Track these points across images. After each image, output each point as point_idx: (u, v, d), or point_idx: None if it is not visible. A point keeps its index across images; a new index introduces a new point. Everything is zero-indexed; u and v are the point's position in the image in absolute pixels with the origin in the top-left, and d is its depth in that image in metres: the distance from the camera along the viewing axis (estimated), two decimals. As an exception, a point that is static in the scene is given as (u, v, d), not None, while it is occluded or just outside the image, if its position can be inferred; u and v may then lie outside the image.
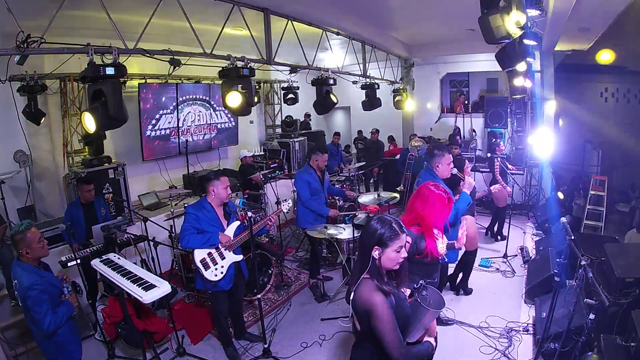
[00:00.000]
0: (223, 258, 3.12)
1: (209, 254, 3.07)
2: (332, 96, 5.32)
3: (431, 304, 1.77)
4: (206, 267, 3.04)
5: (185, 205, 4.29)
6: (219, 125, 7.12)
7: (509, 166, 5.79)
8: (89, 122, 2.88)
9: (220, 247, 3.10)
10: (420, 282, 1.86)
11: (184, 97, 6.35)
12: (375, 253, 1.67)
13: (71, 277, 3.51)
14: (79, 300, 2.85)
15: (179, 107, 6.27)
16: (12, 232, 2.43)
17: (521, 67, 4.08)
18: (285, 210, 3.59)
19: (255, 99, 4.07)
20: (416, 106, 9.18)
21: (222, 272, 3.09)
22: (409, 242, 1.80)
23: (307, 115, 9.59)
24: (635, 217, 6.10)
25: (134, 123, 5.72)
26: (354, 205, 5.66)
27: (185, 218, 3.08)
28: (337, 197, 5.47)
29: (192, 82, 6.46)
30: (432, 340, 1.86)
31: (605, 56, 6.57)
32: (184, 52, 3.56)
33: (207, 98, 6.77)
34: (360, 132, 9.89)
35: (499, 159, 5.56)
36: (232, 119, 7.35)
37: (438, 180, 3.21)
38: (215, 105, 6.91)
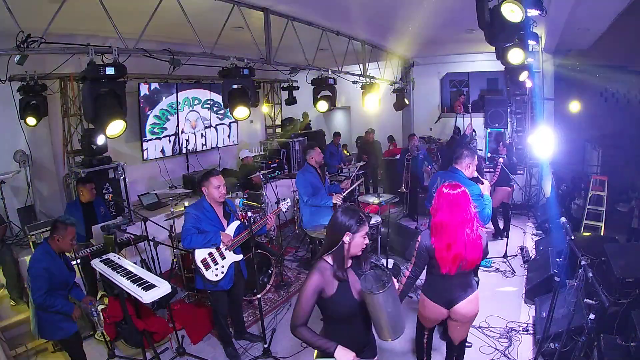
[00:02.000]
0: (223, 258, 3.12)
1: (210, 254, 3.07)
2: (322, 103, 5.28)
3: (373, 286, 1.79)
4: (207, 267, 3.05)
5: (185, 205, 4.30)
6: (218, 127, 7.12)
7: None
8: (118, 127, 2.97)
9: (221, 246, 3.10)
10: (381, 264, 1.91)
11: (184, 97, 6.36)
12: (346, 238, 1.81)
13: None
14: (80, 307, 2.92)
15: (179, 107, 6.28)
16: (58, 219, 2.81)
17: (516, 56, 3.52)
18: (284, 210, 3.59)
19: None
20: (416, 106, 9.17)
21: (222, 272, 3.09)
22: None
23: (306, 115, 9.59)
24: (633, 218, 6.10)
25: (134, 123, 5.72)
26: (353, 205, 5.65)
27: (185, 218, 3.08)
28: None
29: (192, 82, 6.46)
30: (341, 351, 1.79)
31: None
32: (184, 52, 3.57)
33: (208, 96, 6.75)
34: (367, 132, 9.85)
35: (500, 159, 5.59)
36: (232, 121, 7.34)
37: (467, 181, 3.18)
38: (215, 106, 6.90)
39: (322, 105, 5.45)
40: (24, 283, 3.87)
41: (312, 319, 1.86)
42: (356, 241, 1.83)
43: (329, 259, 1.87)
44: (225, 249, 3.13)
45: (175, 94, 6.17)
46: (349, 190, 4.95)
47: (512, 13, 2.53)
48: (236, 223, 3.23)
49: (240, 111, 3.81)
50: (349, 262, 1.91)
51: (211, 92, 6.78)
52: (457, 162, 3.29)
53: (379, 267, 1.90)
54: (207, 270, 3.04)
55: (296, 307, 1.84)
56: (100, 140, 4.41)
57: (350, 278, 1.88)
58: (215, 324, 3.60)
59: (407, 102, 8.13)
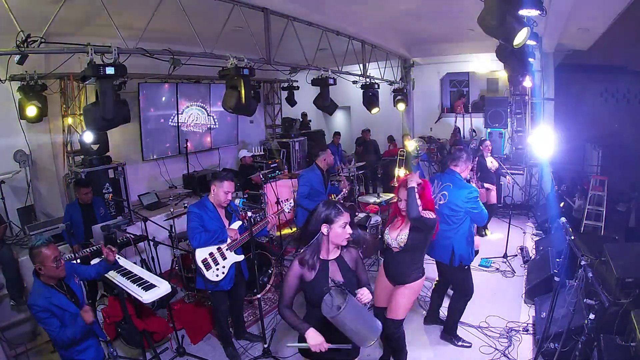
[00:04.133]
0: (224, 258, 3.12)
1: (211, 254, 3.07)
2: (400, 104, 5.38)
3: (329, 308, 1.83)
4: (207, 267, 3.04)
5: (186, 205, 4.29)
6: (218, 128, 7.14)
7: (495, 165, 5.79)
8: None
9: (222, 247, 3.11)
10: (337, 281, 1.97)
11: (183, 98, 6.36)
12: (324, 229, 1.94)
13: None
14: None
15: (179, 107, 6.28)
16: (30, 246, 2.35)
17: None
18: (287, 210, 3.59)
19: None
20: (416, 106, 9.17)
21: (223, 272, 3.09)
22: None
23: (304, 115, 9.60)
24: (630, 217, 6.11)
25: (134, 123, 5.73)
26: (353, 205, 5.66)
27: (189, 217, 3.06)
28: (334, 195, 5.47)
29: (192, 82, 6.46)
30: (312, 332, 1.90)
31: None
32: (184, 52, 3.57)
33: (207, 99, 6.75)
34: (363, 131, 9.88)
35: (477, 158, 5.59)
36: (233, 121, 7.34)
37: (465, 183, 3.20)
38: (214, 107, 6.90)
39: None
40: (24, 283, 3.88)
41: (297, 305, 1.94)
42: (335, 231, 1.94)
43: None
44: (227, 249, 3.13)
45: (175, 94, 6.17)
46: (347, 187, 4.95)
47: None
48: (238, 223, 3.23)
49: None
50: (336, 253, 2.03)
51: (211, 92, 6.78)
52: (455, 163, 3.24)
53: (336, 286, 1.92)
54: (207, 270, 3.03)
55: (281, 289, 2.03)
56: (88, 137, 4.36)
57: (331, 268, 2.01)
58: (216, 324, 3.59)
59: (405, 103, 8.12)
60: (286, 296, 1.99)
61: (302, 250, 2.01)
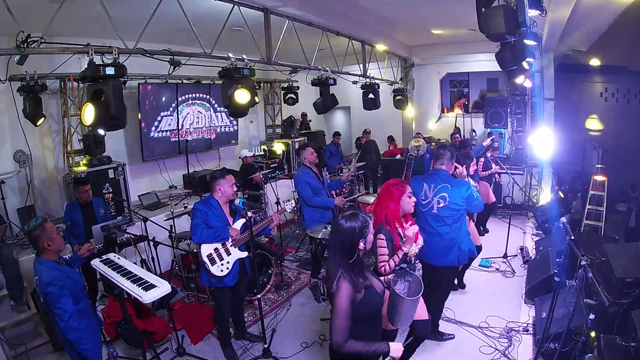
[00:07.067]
0: (229, 254, 3.17)
1: (216, 250, 3.12)
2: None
3: (408, 292, 1.94)
4: (212, 262, 3.09)
5: (186, 205, 4.27)
6: (218, 129, 7.12)
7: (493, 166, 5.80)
8: (89, 114, 2.87)
9: (226, 243, 3.16)
10: (402, 266, 2.02)
11: (184, 97, 6.36)
12: (362, 244, 1.79)
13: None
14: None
15: (179, 107, 6.28)
16: (30, 229, 2.36)
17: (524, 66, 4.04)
18: (289, 210, 3.61)
19: (256, 99, 4.06)
20: (416, 106, 9.18)
21: (227, 268, 3.14)
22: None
23: (304, 115, 9.61)
24: (631, 217, 6.11)
25: (134, 123, 5.73)
26: (353, 205, 5.66)
27: (194, 214, 3.15)
28: (337, 190, 5.48)
29: (192, 82, 6.46)
30: (393, 345, 1.79)
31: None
32: (184, 52, 3.57)
33: (208, 97, 6.76)
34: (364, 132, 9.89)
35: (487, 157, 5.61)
36: (233, 121, 7.34)
37: (455, 180, 3.20)
38: (215, 106, 6.91)
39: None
40: (24, 283, 3.88)
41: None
42: (368, 242, 1.84)
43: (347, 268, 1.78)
44: (231, 245, 3.18)
45: (175, 94, 6.18)
46: (349, 174, 4.93)
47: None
48: (242, 220, 3.28)
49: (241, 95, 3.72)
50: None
51: (211, 92, 6.78)
52: (440, 162, 3.20)
53: (411, 272, 2.01)
54: (212, 265, 3.09)
55: (336, 322, 1.70)
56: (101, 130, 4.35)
57: (367, 275, 1.87)
58: (217, 322, 3.59)
59: (407, 104, 8.13)
60: (346, 328, 1.68)
61: (336, 274, 1.76)
